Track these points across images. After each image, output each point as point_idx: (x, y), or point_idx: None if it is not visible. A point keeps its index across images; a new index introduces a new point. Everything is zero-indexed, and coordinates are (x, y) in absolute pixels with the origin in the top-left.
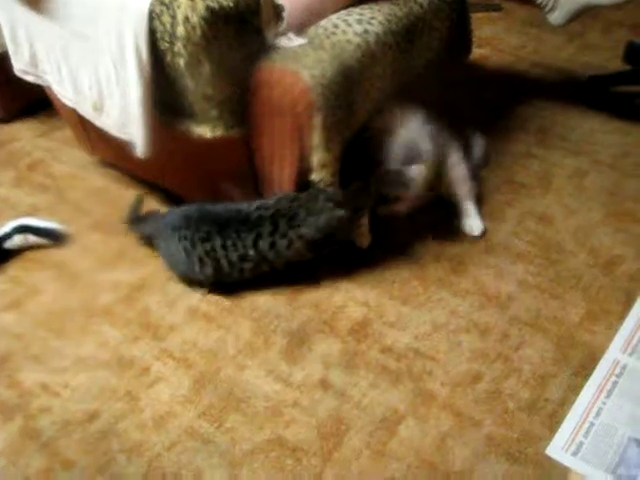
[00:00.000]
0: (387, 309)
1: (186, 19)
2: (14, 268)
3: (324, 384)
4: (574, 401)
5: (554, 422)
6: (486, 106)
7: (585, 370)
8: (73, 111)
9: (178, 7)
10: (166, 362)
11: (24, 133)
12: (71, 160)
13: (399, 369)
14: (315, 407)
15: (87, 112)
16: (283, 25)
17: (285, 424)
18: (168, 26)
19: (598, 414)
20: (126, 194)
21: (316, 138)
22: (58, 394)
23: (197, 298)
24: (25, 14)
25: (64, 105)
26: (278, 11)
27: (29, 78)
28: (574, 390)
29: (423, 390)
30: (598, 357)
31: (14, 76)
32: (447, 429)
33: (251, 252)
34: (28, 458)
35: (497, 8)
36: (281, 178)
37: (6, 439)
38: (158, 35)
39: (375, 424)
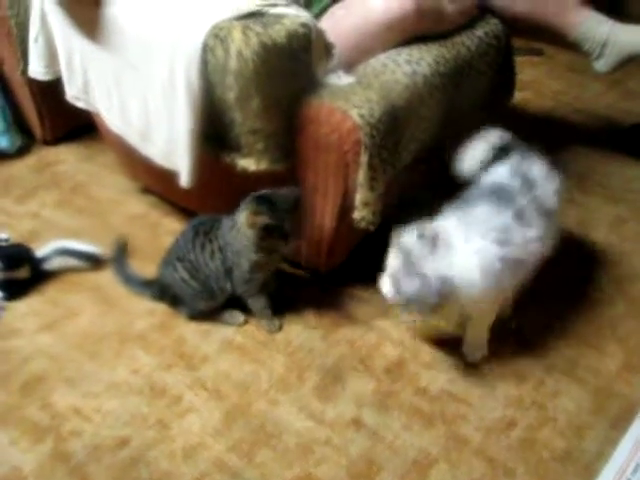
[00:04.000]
0: (422, 350)
1: (239, 53)
2: (52, 289)
3: (357, 423)
4: (610, 454)
5: (590, 474)
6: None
7: (622, 422)
8: (118, 137)
9: (232, 41)
10: (198, 392)
11: (68, 156)
12: (113, 185)
13: (432, 411)
14: (347, 446)
15: (134, 140)
16: (333, 63)
17: (316, 462)
18: (221, 59)
19: (636, 470)
20: (165, 221)
21: (361, 176)
22: (90, 418)
23: (232, 330)
24: (81, 42)
25: (110, 131)
26: (328, 49)
27: (80, 104)
28: (611, 443)
29: (456, 434)
30: (636, 410)
31: (61, 100)
32: (479, 475)
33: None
34: None
35: (539, 52)
36: (323, 213)
37: (36, 460)
38: (210, 68)
39: (407, 466)
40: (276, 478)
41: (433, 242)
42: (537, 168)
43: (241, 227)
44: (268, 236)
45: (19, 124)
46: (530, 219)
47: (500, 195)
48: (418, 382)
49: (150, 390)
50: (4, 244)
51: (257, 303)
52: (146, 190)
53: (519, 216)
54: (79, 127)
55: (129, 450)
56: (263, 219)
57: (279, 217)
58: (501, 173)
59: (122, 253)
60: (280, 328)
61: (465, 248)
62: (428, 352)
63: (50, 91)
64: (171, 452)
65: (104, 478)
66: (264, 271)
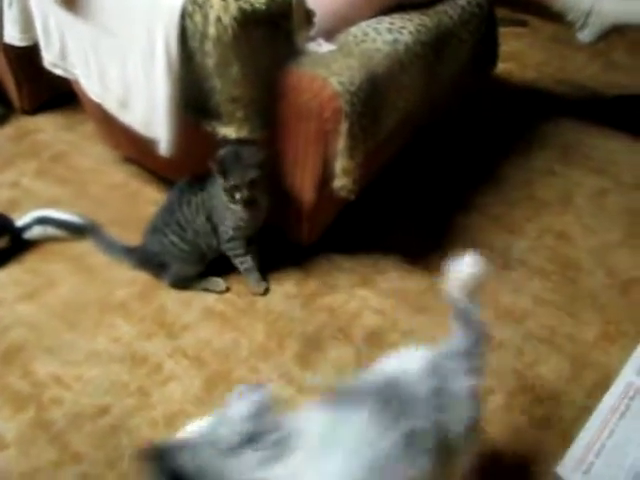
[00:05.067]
0: (401, 318)
1: (218, 19)
2: (32, 259)
3: None
4: (587, 421)
5: (567, 441)
6: (508, 121)
7: (599, 390)
8: (98, 106)
9: (211, 7)
10: (179, 360)
11: (48, 125)
12: (93, 154)
13: None
14: None
15: (112, 108)
16: (313, 30)
17: None
18: (200, 25)
19: (610, 435)
20: (145, 190)
21: (341, 144)
22: (70, 387)
23: (213, 298)
24: (57, 7)
25: (90, 100)
26: (309, 16)
27: (58, 71)
28: (587, 410)
29: None
30: (612, 378)
31: (40, 69)
32: None
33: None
34: (39, 449)
35: (523, 23)
36: (302, 182)
37: (18, 429)
38: (189, 34)
39: None
40: None
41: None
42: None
43: (217, 188)
44: (239, 192)
45: None
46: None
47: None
48: (391, 349)
49: (131, 358)
50: None
51: (244, 263)
52: (126, 159)
53: (408, 442)
54: (58, 96)
55: (110, 418)
56: (234, 180)
57: (247, 172)
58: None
59: (93, 223)
60: (267, 291)
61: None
62: (407, 321)
63: (27, 59)
64: (152, 419)
65: (85, 445)
66: (247, 228)
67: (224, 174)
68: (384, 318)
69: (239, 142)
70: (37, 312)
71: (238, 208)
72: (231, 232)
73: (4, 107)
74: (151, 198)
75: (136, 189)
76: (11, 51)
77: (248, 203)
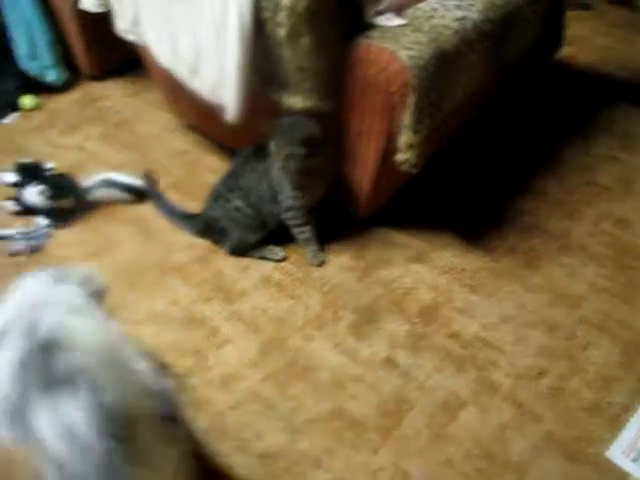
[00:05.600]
0: (456, 296)
1: None
2: (95, 220)
3: (389, 363)
4: (638, 408)
5: (616, 426)
6: (570, 105)
7: None
8: (165, 73)
9: None
10: (236, 325)
11: (114, 92)
12: (156, 121)
13: (464, 356)
14: (379, 384)
15: (182, 74)
16: (383, 4)
17: (348, 397)
18: None
19: None
20: (206, 159)
21: (407, 118)
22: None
23: (270, 266)
24: None
25: (157, 67)
26: None
27: (130, 37)
28: (638, 396)
29: (486, 379)
30: None
31: (108, 36)
32: (507, 420)
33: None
34: None
35: (587, 7)
36: (366, 154)
37: None
38: (262, 4)
39: (436, 407)
40: (309, 410)
41: None
42: None
43: (272, 155)
44: (292, 162)
45: (66, 59)
46: None
47: None
48: (451, 327)
49: (189, 321)
50: (50, 174)
51: (302, 234)
52: (188, 127)
53: None
54: (125, 63)
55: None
56: (287, 149)
57: (298, 143)
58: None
59: (154, 187)
60: (323, 263)
61: None
62: (462, 298)
63: (97, 27)
64: (208, 380)
65: None
66: (306, 199)
67: (276, 142)
68: (438, 294)
69: (301, 113)
70: (100, 271)
71: (293, 178)
72: (290, 201)
73: (72, 72)
74: (211, 166)
75: (197, 157)
76: (82, 18)
77: (303, 173)
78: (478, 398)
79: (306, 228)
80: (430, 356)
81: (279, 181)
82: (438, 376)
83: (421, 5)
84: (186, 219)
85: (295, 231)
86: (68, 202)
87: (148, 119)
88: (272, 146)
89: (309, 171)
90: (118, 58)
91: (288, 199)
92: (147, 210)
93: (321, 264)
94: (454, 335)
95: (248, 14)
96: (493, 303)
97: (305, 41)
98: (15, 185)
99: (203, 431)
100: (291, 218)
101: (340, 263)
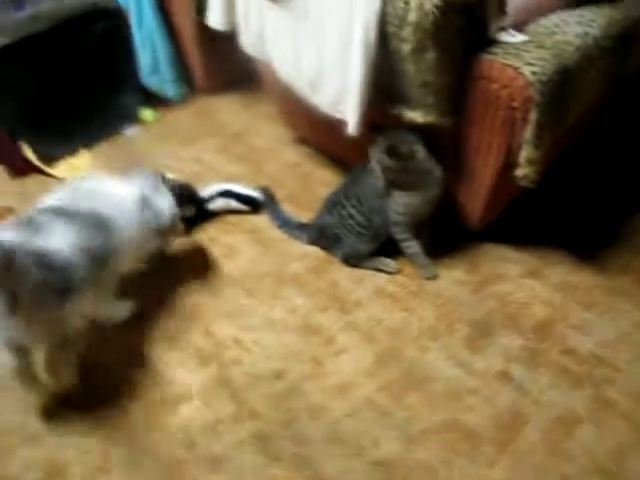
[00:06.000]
0: (571, 312)
1: (420, 6)
2: (214, 229)
3: (504, 376)
4: None
5: None
6: None
7: None
8: (282, 87)
9: None
10: (351, 335)
11: (229, 106)
12: (270, 134)
13: (579, 373)
14: (493, 397)
15: (303, 88)
16: (506, 20)
17: (463, 409)
18: (400, 11)
19: None
20: (319, 172)
21: (528, 134)
22: (249, 349)
23: (384, 278)
24: None
25: (274, 81)
26: (502, 6)
27: (253, 53)
28: None
29: (603, 397)
30: None
31: (223, 52)
32: (624, 438)
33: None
34: (220, 403)
35: None
36: (483, 169)
37: (201, 382)
38: (388, 19)
39: (552, 422)
40: (424, 420)
41: None
42: None
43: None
44: (393, 175)
45: (184, 74)
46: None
47: None
48: (566, 343)
49: (305, 329)
50: (171, 184)
51: (410, 248)
52: (301, 141)
53: None
54: (239, 78)
55: (285, 382)
56: (388, 162)
57: (395, 156)
58: None
59: (271, 199)
60: (435, 276)
61: None
62: (577, 315)
63: (214, 44)
64: (324, 387)
65: (261, 404)
66: (412, 215)
67: (374, 153)
68: (553, 310)
69: (413, 127)
70: (217, 278)
71: (396, 192)
72: (396, 216)
73: (189, 87)
74: (323, 179)
75: (309, 170)
76: (200, 35)
77: (401, 187)
78: (594, 415)
79: (412, 243)
80: (545, 371)
81: (382, 194)
82: (553, 392)
83: (542, 21)
84: (300, 227)
85: (402, 245)
86: (188, 211)
87: (262, 132)
88: (371, 157)
89: (407, 185)
90: (233, 73)
91: (393, 213)
92: (263, 221)
93: (434, 277)
94: (569, 351)
95: (373, 29)
96: (608, 321)
97: (430, 56)
98: None
99: (322, 437)
100: (397, 232)
101: (453, 277)
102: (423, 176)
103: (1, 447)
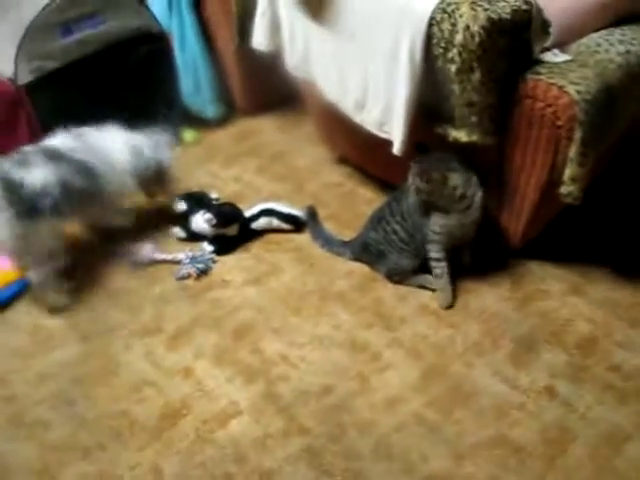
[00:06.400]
0: (615, 329)
1: (466, 27)
2: (257, 247)
3: (550, 392)
4: None
5: None
6: None
7: None
8: (323, 108)
9: (460, 16)
10: (397, 351)
11: (268, 127)
12: (310, 154)
13: (626, 389)
14: (540, 412)
15: (348, 108)
16: (550, 41)
17: (510, 424)
18: (446, 33)
19: None
20: (360, 190)
21: (572, 152)
22: (296, 366)
23: (428, 295)
24: (305, 14)
25: (316, 102)
26: (546, 27)
27: (299, 74)
28: None
29: None
30: None
31: (263, 74)
32: None
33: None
34: (268, 418)
35: None
36: (527, 187)
37: (249, 398)
38: (434, 41)
39: (600, 438)
40: (472, 435)
41: None
42: None
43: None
44: (426, 197)
45: (224, 96)
46: None
47: None
48: (611, 359)
49: (351, 345)
50: (216, 203)
51: (437, 269)
52: (341, 161)
53: None
54: (278, 100)
55: (333, 397)
56: (421, 184)
57: (428, 181)
58: None
59: (314, 219)
60: (450, 305)
61: None
62: (621, 332)
63: (254, 66)
64: (372, 403)
65: (310, 420)
66: (447, 236)
67: (411, 174)
68: (596, 327)
69: (452, 149)
70: (262, 296)
71: (433, 213)
72: (433, 235)
73: (229, 108)
74: (365, 198)
75: (351, 189)
76: (241, 58)
77: (435, 209)
78: None
79: (442, 264)
80: (590, 387)
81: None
82: (599, 408)
83: (585, 40)
84: (344, 244)
85: (431, 264)
86: (232, 230)
87: (302, 152)
88: (409, 178)
89: (442, 208)
90: (273, 95)
91: (430, 232)
92: (306, 239)
93: (447, 307)
94: (615, 368)
95: (419, 51)
96: None
97: (475, 77)
98: (183, 213)
99: (370, 452)
100: (431, 250)
101: (497, 293)
102: (459, 201)
103: (54, 462)
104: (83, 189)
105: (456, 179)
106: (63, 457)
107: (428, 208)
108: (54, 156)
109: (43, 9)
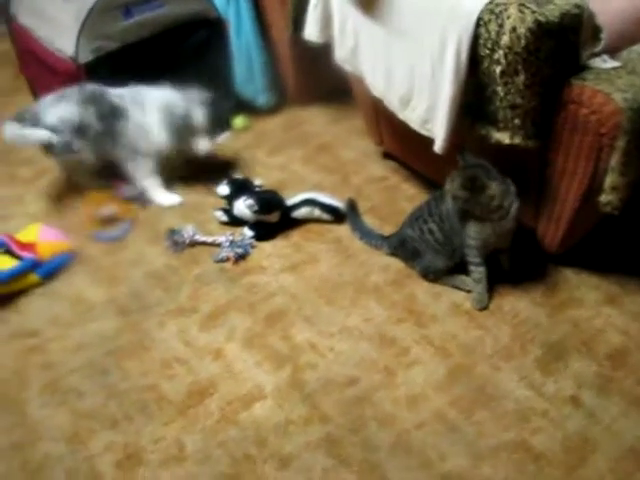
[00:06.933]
0: None
1: (513, 29)
2: (296, 236)
3: (575, 401)
4: None
5: None
6: None
7: None
8: (371, 102)
9: (508, 17)
10: (425, 348)
11: (317, 118)
12: (356, 148)
13: None
14: (563, 421)
15: (393, 104)
16: (600, 47)
17: (532, 430)
18: (493, 34)
19: None
20: (404, 186)
21: (614, 160)
22: (324, 355)
23: (462, 295)
24: (356, 9)
25: (364, 96)
26: (597, 32)
27: (347, 67)
28: None
29: None
30: None
31: (316, 65)
32: None
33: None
34: (292, 405)
35: None
36: (567, 194)
37: (275, 383)
38: (481, 41)
39: (622, 452)
40: (492, 438)
41: None
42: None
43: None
44: (462, 205)
45: (276, 84)
46: None
47: None
48: None
49: (380, 339)
50: (259, 189)
51: (475, 273)
52: (387, 155)
53: None
54: (328, 91)
55: (357, 389)
56: (458, 192)
57: (464, 188)
58: None
59: (354, 211)
60: (485, 308)
61: None
62: None
63: (308, 56)
64: (395, 397)
65: (332, 409)
66: (485, 241)
67: (448, 180)
68: (629, 339)
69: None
70: (297, 283)
71: (470, 219)
72: (470, 240)
73: (281, 97)
74: (407, 194)
75: (394, 184)
76: (295, 48)
77: (471, 216)
78: None
79: (480, 269)
80: (617, 400)
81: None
82: (625, 421)
83: (635, 47)
84: (382, 238)
85: (469, 268)
86: (273, 217)
87: (348, 145)
88: (447, 184)
89: (478, 216)
90: (323, 86)
91: (467, 237)
92: (345, 231)
93: (483, 309)
94: None
95: (465, 51)
96: None
97: (520, 79)
98: (226, 197)
99: (389, 446)
100: (469, 255)
101: (531, 298)
102: (495, 210)
103: (84, 429)
104: (103, 130)
105: (494, 189)
106: (92, 425)
107: (464, 215)
108: (88, 97)
109: None
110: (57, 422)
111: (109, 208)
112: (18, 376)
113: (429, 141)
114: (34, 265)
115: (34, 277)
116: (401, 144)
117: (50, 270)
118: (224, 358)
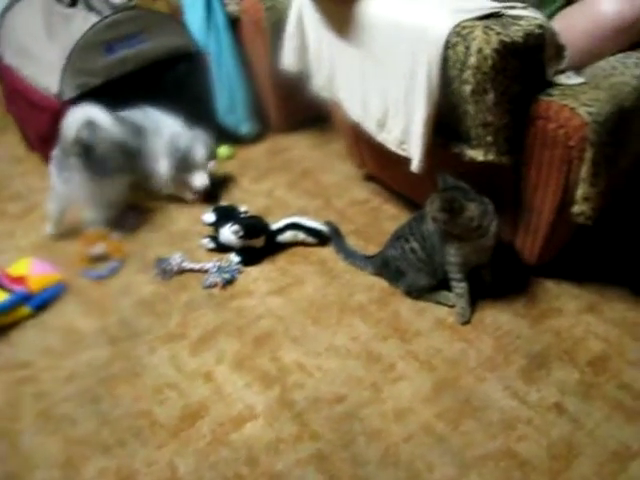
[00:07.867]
0: (627, 348)
1: (479, 50)
2: (282, 260)
3: (559, 408)
4: None
5: None
6: None
7: None
8: (350, 126)
9: (473, 39)
10: (410, 363)
11: (299, 144)
12: (339, 171)
13: (635, 408)
14: (548, 428)
15: (370, 128)
16: (564, 64)
17: (517, 438)
18: (461, 55)
19: None
20: (385, 207)
21: (584, 171)
22: (312, 374)
23: (445, 311)
24: (332, 37)
25: (344, 120)
26: (560, 50)
27: (325, 94)
28: None
29: None
30: None
31: (295, 93)
32: None
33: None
34: (282, 424)
35: None
36: (542, 207)
37: (265, 403)
38: (450, 63)
39: (606, 456)
40: (478, 447)
41: None
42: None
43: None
44: (443, 226)
45: (258, 113)
46: None
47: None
48: (622, 378)
49: (366, 356)
50: (244, 216)
51: (457, 289)
52: (368, 178)
53: None
54: (310, 118)
55: (345, 406)
56: (438, 214)
57: (443, 210)
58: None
59: (337, 233)
60: (468, 322)
61: None
62: (634, 351)
63: (287, 85)
64: (382, 412)
65: (322, 427)
66: (465, 258)
67: (428, 201)
68: (609, 346)
69: (473, 176)
70: (284, 306)
71: (442, 237)
72: (450, 258)
73: (262, 125)
74: (390, 214)
75: (377, 205)
76: (275, 78)
77: (451, 237)
78: None
79: (462, 284)
80: (600, 405)
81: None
82: (608, 425)
83: (601, 63)
84: (366, 259)
85: (452, 284)
86: (258, 242)
87: (331, 169)
88: (426, 206)
89: (458, 236)
90: (304, 113)
91: (448, 255)
92: (329, 253)
93: (466, 323)
94: (625, 386)
95: (436, 72)
96: None
97: (489, 97)
98: (213, 225)
99: (377, 460)
100: (451, 272)
101: (513, 310)
102: (474, 230)
103: (78, 455)
104: (134, 147)
105: (472, 210)
106: (85, 452)
107: (445, 235)
108: (118, 118)
109: (90, 28)
110: (50, 450)
111: (100, 247)
112: (10, 407)
113: (408, 162)
114: (25, 298)
115: (25, 309)
116: (382, 166)
117: (41, 302)
118: (214, 381)
